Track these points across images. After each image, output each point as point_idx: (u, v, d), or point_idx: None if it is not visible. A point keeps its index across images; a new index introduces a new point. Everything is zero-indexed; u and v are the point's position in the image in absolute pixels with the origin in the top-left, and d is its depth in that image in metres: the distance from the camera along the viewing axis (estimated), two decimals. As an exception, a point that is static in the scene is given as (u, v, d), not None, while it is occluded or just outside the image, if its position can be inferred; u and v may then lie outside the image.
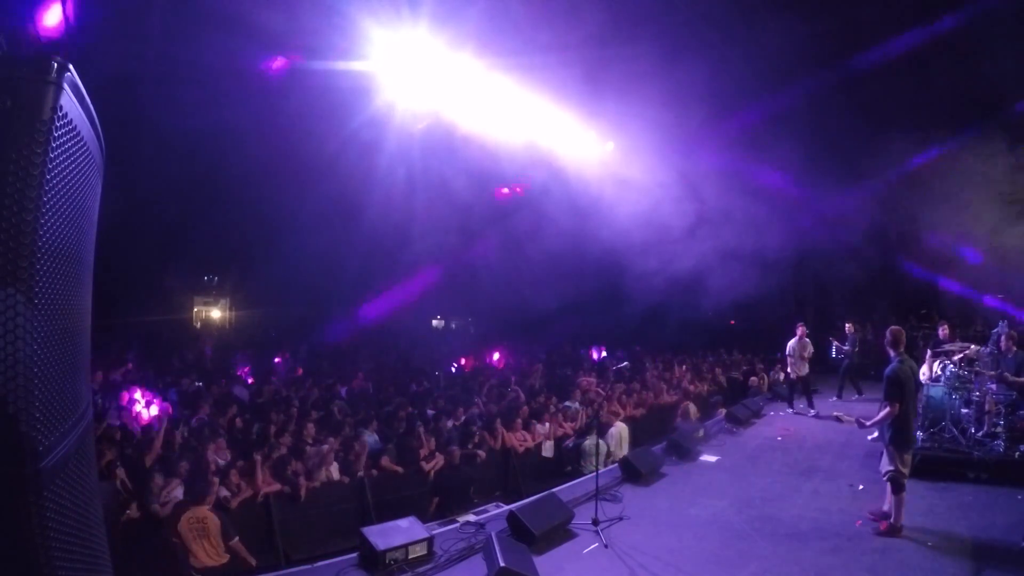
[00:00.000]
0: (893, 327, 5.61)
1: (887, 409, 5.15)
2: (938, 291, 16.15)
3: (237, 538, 5.30)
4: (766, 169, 12.76)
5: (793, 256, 14.31)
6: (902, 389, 5.14)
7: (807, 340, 10.56)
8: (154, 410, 7.84)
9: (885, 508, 5.39)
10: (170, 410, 7.81)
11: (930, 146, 13.79)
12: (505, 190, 15.36)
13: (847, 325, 11.75)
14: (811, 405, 10.69)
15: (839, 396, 11.43)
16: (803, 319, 11.46)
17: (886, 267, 15.77)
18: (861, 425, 5.72)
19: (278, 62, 8.71)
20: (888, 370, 5.28)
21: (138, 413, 7.81)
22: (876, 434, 5.45)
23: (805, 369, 10.49)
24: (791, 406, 10.78)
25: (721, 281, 12.24)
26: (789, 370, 10.74)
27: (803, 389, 10.75)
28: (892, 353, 5.41)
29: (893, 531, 5.16)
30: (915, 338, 11.47)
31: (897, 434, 5.21)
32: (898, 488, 5.17)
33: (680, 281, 12.29)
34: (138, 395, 8.34)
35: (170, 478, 5.72)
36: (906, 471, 5.24)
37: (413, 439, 7.63)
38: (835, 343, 11.48)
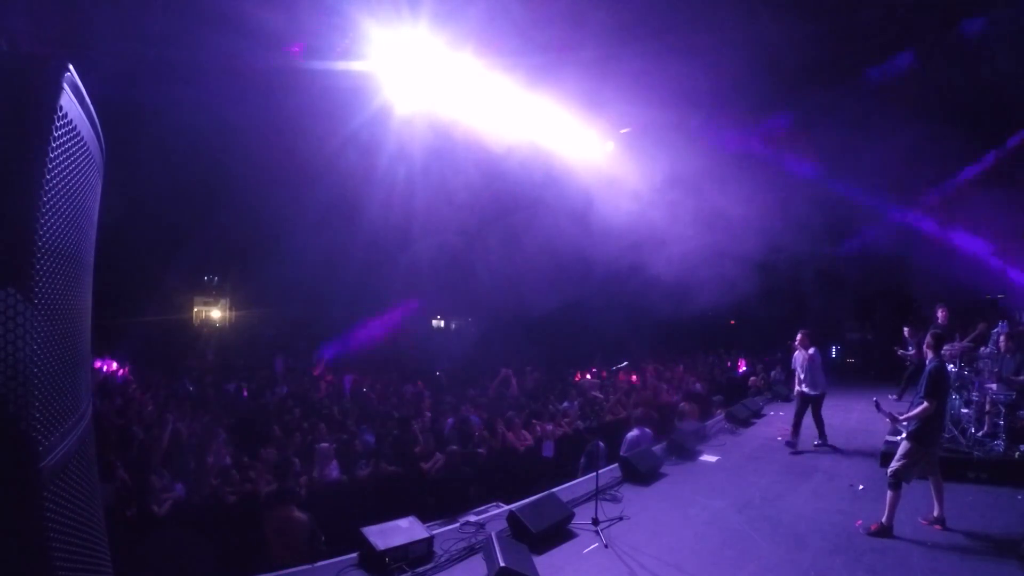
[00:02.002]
0: (935, 331, 5.74)
1: (923, 405, 5.20)
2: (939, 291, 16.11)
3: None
4: (765, 170, 12.74)
5: (793, 256, 14.28)
6: (942, 387, 5.27)
7: (810, 352, 8.41)
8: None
9: (936, 513, 5.40)
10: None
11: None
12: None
13: (905, 328, 10.74)
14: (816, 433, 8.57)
15: (899, 397, 10.91)
16: (803, 323, 9.99)
17: (887, 267, 15.73)
18: (895, 420, 5.66)
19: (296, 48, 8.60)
20: (930, 367, 5.36)
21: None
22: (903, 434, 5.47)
23: (809, 388, 8.37)
24: (823, 439, 8.40)
25: (720, 281, 12.21)
26: (801, 388, 8.48)
27: (800, 411, 8.43)
28: (931, 355, 5.54)
29: (883, 531, 5.15)
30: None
31: (921, 428, 5.24)
32: (895, 486, 5.18)
33: (679, 281, 12.26)
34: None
35: (171, 478, 5.72)
36: (915, 469, 5.28)
37: (408, 438, 7.63)
38: (899, 350, 10.79)
